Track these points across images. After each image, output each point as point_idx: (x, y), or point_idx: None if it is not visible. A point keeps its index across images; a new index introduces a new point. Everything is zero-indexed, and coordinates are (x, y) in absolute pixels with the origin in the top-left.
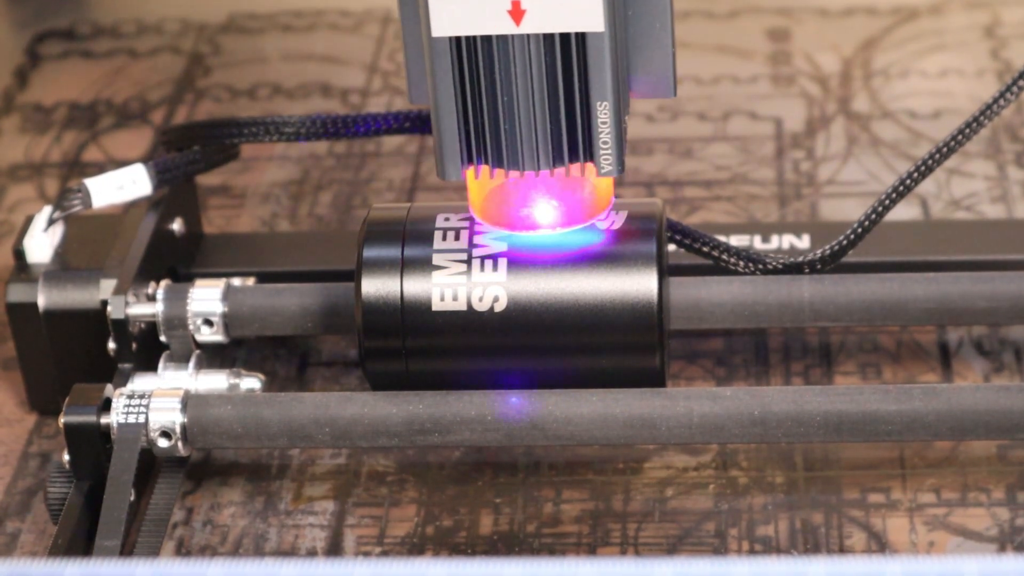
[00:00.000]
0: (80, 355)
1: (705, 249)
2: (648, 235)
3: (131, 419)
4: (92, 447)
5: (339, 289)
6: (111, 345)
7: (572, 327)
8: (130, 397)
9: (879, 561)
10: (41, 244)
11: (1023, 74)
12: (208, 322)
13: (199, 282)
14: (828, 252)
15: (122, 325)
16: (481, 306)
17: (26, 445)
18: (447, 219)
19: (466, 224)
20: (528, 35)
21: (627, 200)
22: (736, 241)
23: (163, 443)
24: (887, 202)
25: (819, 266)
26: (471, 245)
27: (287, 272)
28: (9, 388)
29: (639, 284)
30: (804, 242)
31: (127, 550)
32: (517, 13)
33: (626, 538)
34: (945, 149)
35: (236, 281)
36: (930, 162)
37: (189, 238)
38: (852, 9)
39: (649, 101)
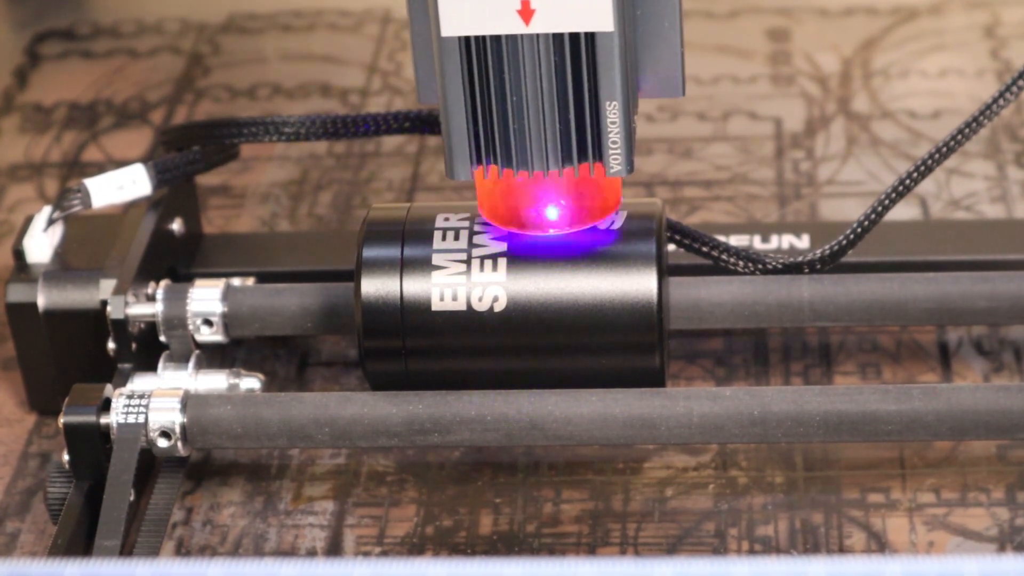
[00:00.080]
0: (80, 355)
1: (705, 249)
2: (648, 235)
3: (131, 419)
4: (92, 447)
5: (339, 289)
6: (111, 345)
7: (572, 327)
8: (130, 397)
9: (879, 561)
10: (41, 244)
11: (1023, 74)
12: (208, 322)
13: (199, 282)
14: (828, 252)
15: (122, 325)
16: (481, 306)
17: (26, 445)
18: (447, 219)
19: (466, 224)
20: (537, 35)
21: (627, 200)
22: (736, 241)
23: (163, 443)
24: (887, 202)
25: (819, 266)
26: (471, 245)
27: (287, 272)
28: (9, 388)
29: (639, 284)
30: (804, 242)
31: (127, 550)
32: (527, 13)
33: (626, 538)
34: (945, 149)
35: (236, 281)
36: (930, 162)
37: (189, 238)
38: (852, 9)
39: (649, 101)
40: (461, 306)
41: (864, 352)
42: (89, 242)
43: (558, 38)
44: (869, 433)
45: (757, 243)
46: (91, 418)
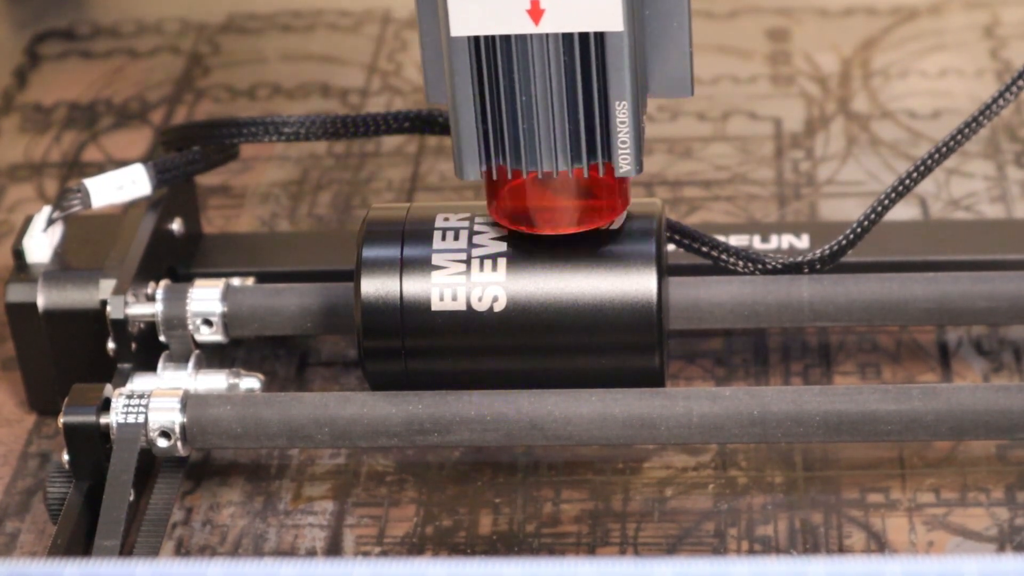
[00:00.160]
0: (80, 355)
1: (704, 249)
2: (647, 235)
3: (130, 419)
4: (91, 447)
5: (338, 289)
6: (110, 345)
7: (571, 327)
8: (129, 397)
9: (879, 561)
10: (40, 244)
11: (1022, 74)
12: (207, 322)
13: (198, 282)
14: (827, 252)
15: (121, 325)
16: (480, 306)
17: (26, 445)
18: (446, 219)
19: (466, 224)
20: (547, 34)
21: None
22: (735, 241)
23: (162, 443)
24: (886, 202)
25: (818, 266)
26: (470, 245)
27: (286, 272)
28: (9, 388)
29: (638, 284)
30: (803, 242)
31: (126, 550)
32: (536, 12)
33: (625, 538)
34: (944, 149)
35: (235, 281)
36: (929, 162)
37: (188, 238)
38: (852, 9)
39: (648, 101)
40: (461, 306)
41: (864, 352)
42: (89, 242)
43: (567, 38)
44: (869, 433)
45: (757, 243)
46: (91, 418)
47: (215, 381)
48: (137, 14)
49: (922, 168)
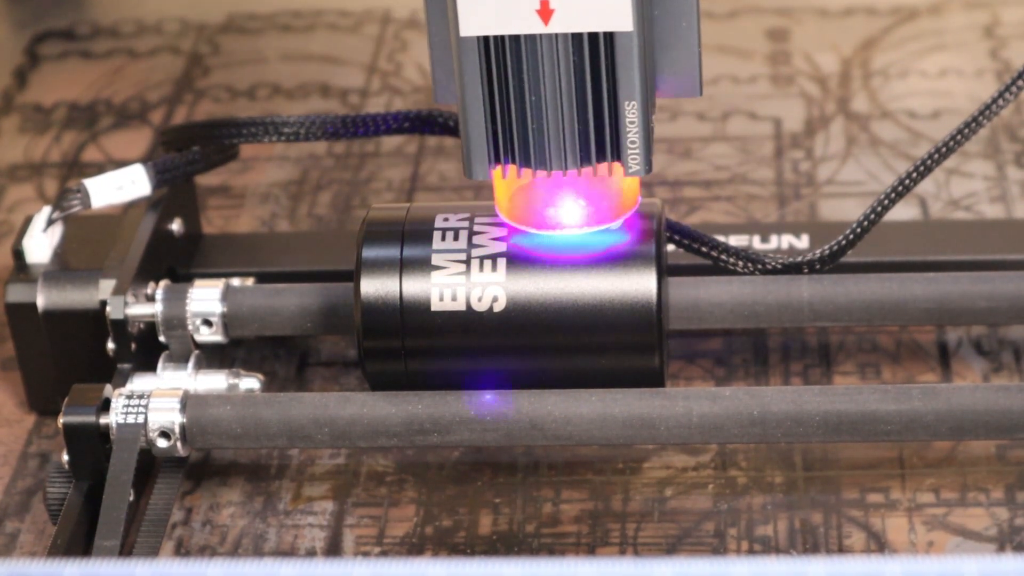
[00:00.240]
0: (79, 355)
1: (704, 249)
2: (647, 235)
3: (130, 419)
4: (91, 447)
5: (338, 289)
6: (110, 345)
7: (571, 327)
8: (129, 397)
9: (878, 561)
10: (40, 244)
11: (1022, 74)
12: (207, 322)
13: (198, 282)
14: (827, 252)
15: (121, 325)
16: (480, 306)
17: (25, 445)
18: (446, 219)
19: (465, 224)
20: (556, 34)
21: None
22: (735, 241)
23: (162, 443)
24: (886, 202)
25: (818, 266)
26: (470, 245)
27: (286, 272)
28: (9, 388)
29: (638, 284)
30: (803, 242)
31: (126, 550)
32: (545, 12)
33: (625, 538)
34: (944, 149)
35: (235, 281)
36: (929, 162)
37: (188, 238)
38: (852, 9)
39: None
40: (460, 306)
41: (864, 352)
42: (89, 242)
43: (577, 38)
44: (869, 433)
45: (757, 243)
46: (91, 418)
47: (215, 381)
48: (137, 14)
49: (922, 168)
